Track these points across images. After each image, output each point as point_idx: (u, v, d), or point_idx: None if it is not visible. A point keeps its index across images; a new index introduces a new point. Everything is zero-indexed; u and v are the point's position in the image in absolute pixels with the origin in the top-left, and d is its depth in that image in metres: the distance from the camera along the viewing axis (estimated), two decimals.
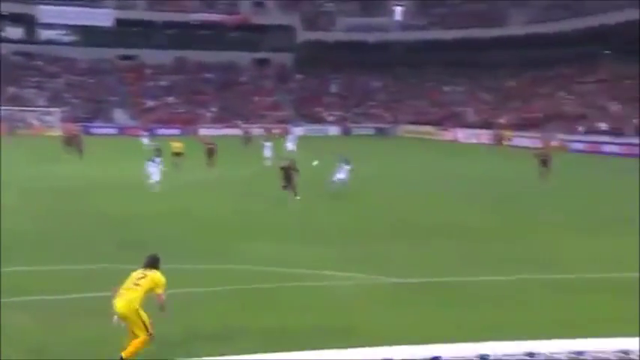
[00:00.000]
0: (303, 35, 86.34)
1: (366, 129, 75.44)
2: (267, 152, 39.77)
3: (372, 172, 32.00)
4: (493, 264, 15.45)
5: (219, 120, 73.71)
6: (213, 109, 77.65)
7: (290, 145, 44.48)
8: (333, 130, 74.92)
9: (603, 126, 55.79)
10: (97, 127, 67.44)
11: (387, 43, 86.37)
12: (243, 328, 10.52)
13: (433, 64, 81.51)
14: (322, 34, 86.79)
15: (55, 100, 71.22)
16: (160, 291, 8.95)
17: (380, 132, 74.87)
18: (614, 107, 59.73)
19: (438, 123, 71.67)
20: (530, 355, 3.19)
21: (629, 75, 64.43)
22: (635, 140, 50.74)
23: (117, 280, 9.15)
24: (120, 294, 8.79)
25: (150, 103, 77.06)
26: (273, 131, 61.55)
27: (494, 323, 10.66)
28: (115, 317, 8.80)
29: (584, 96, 65.02)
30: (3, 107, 62.65)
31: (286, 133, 55.01)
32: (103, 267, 13.88)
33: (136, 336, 8.69)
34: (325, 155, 31.54)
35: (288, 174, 24.88)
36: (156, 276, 9.01)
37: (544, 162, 30.72)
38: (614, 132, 53.85)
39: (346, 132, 74.55)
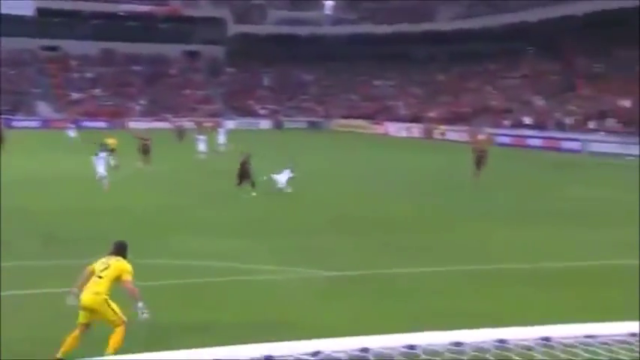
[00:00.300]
0: (234, 28, 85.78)
1: (298, 123, 75.67)
2: (202, 146, 39.33)
3: (305, 166, 32.06)
4: (424, 256, 15.73)
5: (148, 113, 72.56)
6: (142, 102, 76.40)
7: (221, 139, 44.14)
8: (265, 124, 74.82)
9: (527, 120, 57.65)
10: (18, 120, 65.19)
11: (318, 36, 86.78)
12: (176, 323, 10.36)
13: (364, 58, 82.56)
14: (253, 27, 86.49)
15: None
16: (126, 278, 8.71)
17: (312, 126, 75.26)
18: (538, 102, 61.75)
19: (369, 117, 72.54)
20: (457, 344, 3.25)
21: (551, 71, 66.85)
22: (557, 134, 52.84)
23: (36, 278, 8.87)
24: (86, 287, 8.57)
25: (75, 96, 75.23)
26: (205, 125, 60.90)
27: (423, 314, 10.89)
28: (71, 298, 8.63)
29: (509, 91, 67.02)
30: None
31: (218, 126, 54.58)
32: (22, 264, 13.43)
33: (113, 326, 8.57)
34: (257, 149, 31.38)
35: (245, 169, 24.56)
36: (120, 263, 8.78)
37: (480, 158, 29.87)
38: (538, 126, 55.78)
39: (278, 126, 74.49)
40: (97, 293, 8.48)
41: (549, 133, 53.37)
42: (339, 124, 74.71)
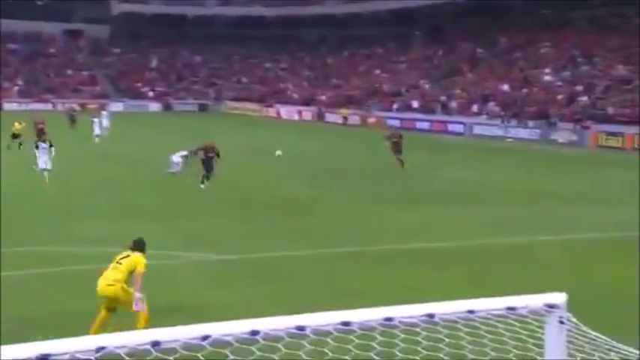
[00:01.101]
0: (118, 7, 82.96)
1: (188, 105, 74.54)
2: (97, 129, 38.97)
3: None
4: (314, 238, 15.97)
5: (26, 94, 69.24)
6: (20, 83, 72.81)
7: (105, 122, 42.91)
8: (154, 106, 73.21)
9: (415, 104, 59.43)
10: None
11: (207, 17, 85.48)
12: (68, 310, 10.18)
13: (255, 41, 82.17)
14: (138, 5, 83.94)
15: None
16: (140, 270, 9.27)
17: (203, 108, 74.23)
18: (425, 86, 63.80)
19: (260, 100, 72.44)
20: (346, 324, 3.36)
21: (437, 55, 69.24)
22: (443, 118, 54.81)
23: None
24: (103, 276, 9.28)
25: None
26: (89, 107, 58.81)
27: (313, 295, 11.09)
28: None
29: (398, 74, 68.77)
30: None
31: (102, 108, 52.93)
32: None
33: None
34: (145, 131, 30.72)
35: (208, 160, 23.22)
36: (139, 257, 9.47)
37: (396, 145, 28.53)
38: (425, 109, 57.62)
39: (168, 108, 73.13)
40: (115, 281, 9.16)
41: (436, 117, 55.22)
42: (230, 106, 74.04)
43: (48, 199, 20.55)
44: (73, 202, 19.98)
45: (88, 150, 33.89)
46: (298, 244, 15.41)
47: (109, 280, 9.20)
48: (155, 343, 2.95)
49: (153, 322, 9.16)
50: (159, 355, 3.05)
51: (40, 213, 18.34)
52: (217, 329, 3.03)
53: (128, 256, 9.45)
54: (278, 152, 30.45)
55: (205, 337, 3.01)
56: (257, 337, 3.11)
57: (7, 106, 61.39)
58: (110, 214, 18.37)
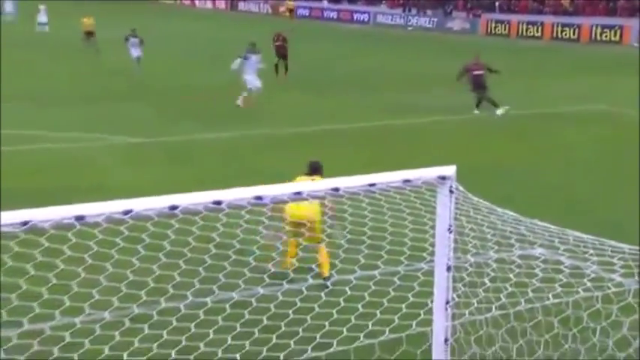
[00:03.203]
0: None
1: None
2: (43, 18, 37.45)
3: (111, 34, 30.11)
4: (228, 121, 15.89)
5: None
6: None
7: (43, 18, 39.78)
8: None
9: None
10: None
11: None
12: None
13: None
14: None
15: None
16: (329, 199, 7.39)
17: None
18: None
19: None
20: (258, 198, 3.43)
21: None
22: (350, 7, 53.81)
23: None
24: (295, 205, 7.17)
25: None
26: None
27: (226, 174, 11.06)
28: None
29: None
30: None
31: None
32: None
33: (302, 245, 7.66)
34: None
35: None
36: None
37: (280, 49, 23.59)
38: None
39: None
40: (316, 205, 7.43)
41: (342, 6, 54.17)
42: None
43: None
44: None
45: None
46: (212, 127, 15.30)
47: (307, 204, 7.17)
48: (79, 218, 2.93)
49: (76, 200, 8.92)
50: (83, 228, 3.05)
51: None
52: (139, 204, 3.04)
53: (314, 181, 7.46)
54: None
55: (127, 212, 3.02)
56: (176, 212, 3.14)
57: None
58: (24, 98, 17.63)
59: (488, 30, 42.12)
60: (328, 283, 7.17)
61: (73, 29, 31.77)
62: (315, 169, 7.91)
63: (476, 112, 17.37)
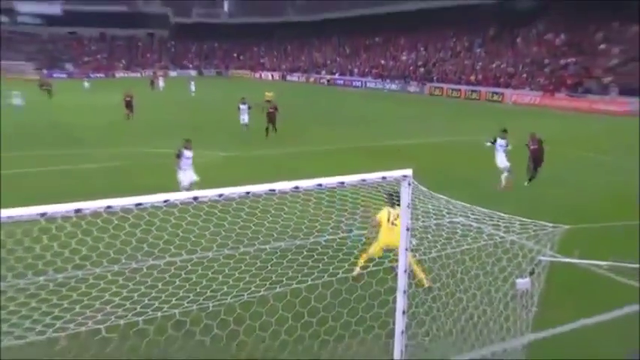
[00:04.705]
0: None
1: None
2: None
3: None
4: None
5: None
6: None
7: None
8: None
9: None
10: None
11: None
12: None
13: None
14: None
15: None
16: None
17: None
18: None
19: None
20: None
21: None
22: (351, 78, 56.45)
23: None
24: (386, 233, 6.91)
25: None
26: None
27: None
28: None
29: None
30: None
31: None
32: None
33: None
34: None
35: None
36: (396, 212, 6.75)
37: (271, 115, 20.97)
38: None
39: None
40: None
41: (346, 78, 56.29)
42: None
43: None
44: None
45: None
46: None
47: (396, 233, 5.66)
48: (167, 201, 3.15)
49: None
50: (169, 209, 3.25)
51: None
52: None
53: (398, 216, 6.46)
54: None
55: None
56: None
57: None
58: None
59: (430, 92, 46.82)
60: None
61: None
62: (395, 199, 6.74)
63: (525, 183, 13.37)
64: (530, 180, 13.44)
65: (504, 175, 13.25)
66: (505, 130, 13.77)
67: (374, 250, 6.93)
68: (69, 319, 4.55)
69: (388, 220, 6.98)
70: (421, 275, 6.43)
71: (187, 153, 10.97)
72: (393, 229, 6.78)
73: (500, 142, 13.52)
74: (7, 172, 12.95)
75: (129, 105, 26.32)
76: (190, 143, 11.25)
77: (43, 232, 4.10)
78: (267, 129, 21.10)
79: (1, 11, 64.80)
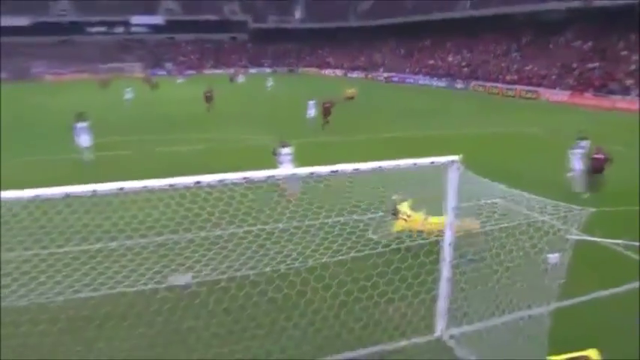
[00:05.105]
0: None
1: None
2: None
3: None
4: None
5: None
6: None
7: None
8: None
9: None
10: None
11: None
12: None
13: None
14: None
15: None
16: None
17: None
18: None
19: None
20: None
21: None
22: (404, 75, 52.35)
23: None
24: (404, 220, 7.94)
25: None
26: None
27: None
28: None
29: None
30: None
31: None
32: None
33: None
34: None
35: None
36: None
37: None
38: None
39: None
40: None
41: (395, 74, 53.43)
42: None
43: None
44: None
45: None
46: None
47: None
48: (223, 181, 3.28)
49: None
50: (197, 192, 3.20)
51: None
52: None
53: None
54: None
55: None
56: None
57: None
58: None
59: (474, 89, 46.60)
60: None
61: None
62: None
63: (585, 196, 11.65)
64: (589, 190, 11.95)
65: (576, 176, 12.35)
66: (585, 137, 13.07)
67: (394, 228, 7.77)
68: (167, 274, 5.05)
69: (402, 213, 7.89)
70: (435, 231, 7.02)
71: (284, 150, 11.36)
72: (405, 220, 7.78)
73: (581, 143, 12.95)
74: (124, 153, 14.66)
75: (209, 99, 27.26)
76: (287, 142, 11.68)
77: (170, 199, 4.61)
78: (323, 123, 21.01)
79: (119, 23, 76.22)
